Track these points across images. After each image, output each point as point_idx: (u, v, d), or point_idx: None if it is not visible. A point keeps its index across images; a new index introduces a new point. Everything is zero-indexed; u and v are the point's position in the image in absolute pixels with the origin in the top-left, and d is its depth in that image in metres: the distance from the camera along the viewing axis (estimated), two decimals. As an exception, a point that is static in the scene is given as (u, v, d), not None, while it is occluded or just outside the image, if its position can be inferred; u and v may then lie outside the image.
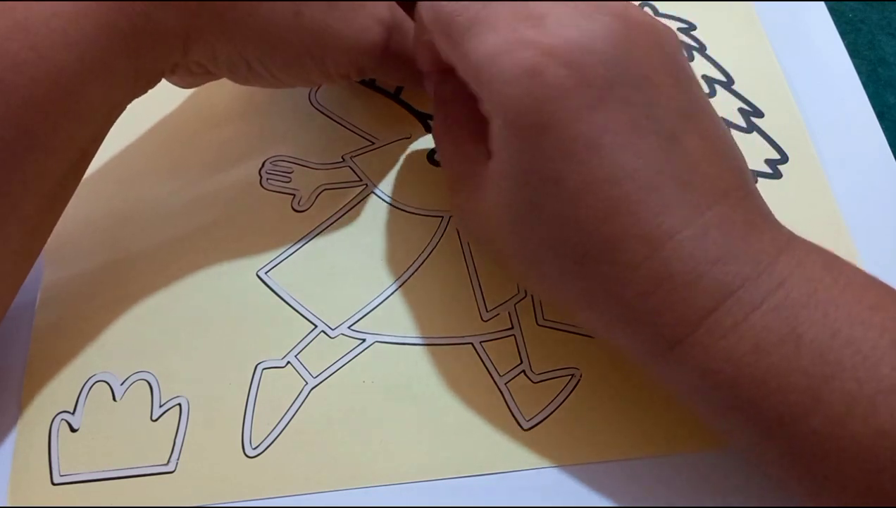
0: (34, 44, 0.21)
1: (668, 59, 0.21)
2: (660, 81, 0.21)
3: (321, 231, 0.30)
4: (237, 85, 0.34)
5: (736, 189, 0.21)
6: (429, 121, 0.33)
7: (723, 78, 0.35)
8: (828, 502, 0.20)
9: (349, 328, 0.28)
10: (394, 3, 0.28)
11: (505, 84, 0.20)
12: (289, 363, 0.28)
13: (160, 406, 0.27)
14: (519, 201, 0.21)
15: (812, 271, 0.20)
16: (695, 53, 0.35)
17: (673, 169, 0.20)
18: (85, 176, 0.31)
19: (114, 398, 0.27)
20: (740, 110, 0.34)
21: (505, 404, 0.27)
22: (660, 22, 0.22)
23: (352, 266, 0.30)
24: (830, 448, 0.19)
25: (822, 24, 0.37)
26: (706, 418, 0.22)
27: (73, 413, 0.26)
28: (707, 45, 0.36)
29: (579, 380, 0.27)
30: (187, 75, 0.27)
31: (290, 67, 0.26)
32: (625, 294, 0.20)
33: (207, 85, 0.34)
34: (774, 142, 0.33)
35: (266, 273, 0.29)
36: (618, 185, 0.20)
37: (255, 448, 0.26)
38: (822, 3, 0.37)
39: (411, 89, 0.34)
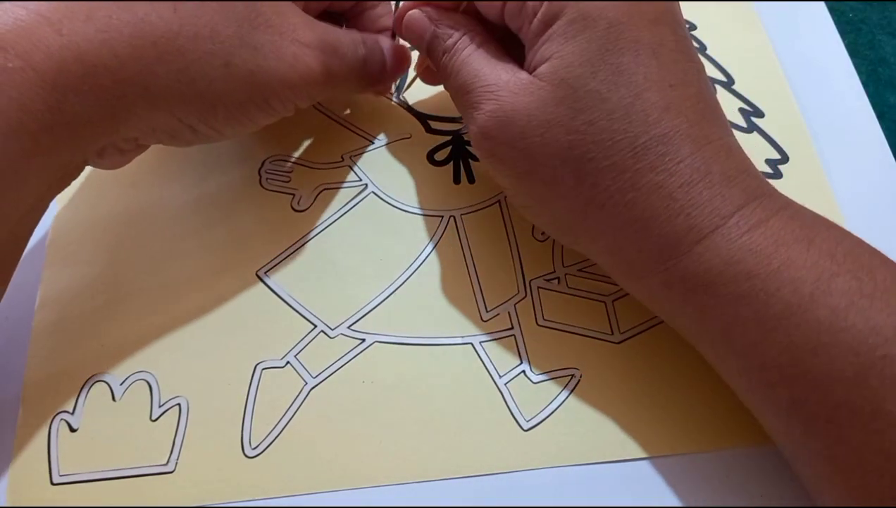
0: None
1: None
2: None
3: (321, 231, 0.30)
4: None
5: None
6: (429, 122, 0.33)
7: (723, 78, 0.35)
8: (811, 404, 0.21)
9: (349, 327, 0.28)
10: (320, 23, 0.27)
11: None
12: (288, 363, 0.27)
13: (160, 406, 0.27)
14: (579, 94, 0.23)
15: None
16: (695, 53, 0.35)
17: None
18: (84, 177, 0.31)
19: (113, 399, 0.27)
20: (741, 110, 0.34)
21: (505, 404, 0.27)
22: None
23: (351, 266, 0.29)
24: (829, 341, 0.21)
25: (822, 24, 0.37)
26: (711, 317, 0.23)
27: (72, 413, 0.26)
28: (707, 46, 0.36)
29: (579, 380, 0.27)
30: (116, 155, 0.25)
31: (235, 118, 0.25)
32: (670, 184, 0.23)
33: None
34: (775, 142, 0.33)
35: (265, 273, 0.29)
36: (673, 88, 0.23)
37: (254, 449, 0.26)
38: (822, 3, 0.37)
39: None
